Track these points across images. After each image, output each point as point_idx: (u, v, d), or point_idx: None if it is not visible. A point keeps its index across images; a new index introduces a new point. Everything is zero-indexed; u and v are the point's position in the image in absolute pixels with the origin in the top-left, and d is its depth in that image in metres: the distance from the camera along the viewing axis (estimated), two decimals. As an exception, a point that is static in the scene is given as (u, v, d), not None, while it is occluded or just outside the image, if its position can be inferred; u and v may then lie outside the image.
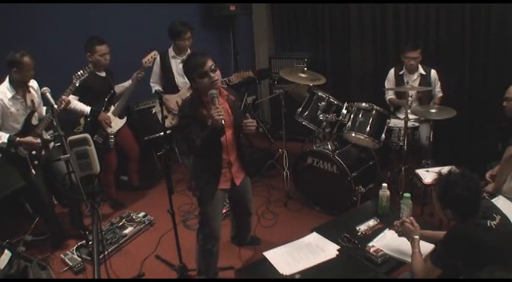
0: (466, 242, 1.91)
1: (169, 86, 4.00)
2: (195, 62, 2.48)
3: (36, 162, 3.19)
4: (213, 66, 2.47)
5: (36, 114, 3.25)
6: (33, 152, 3.17)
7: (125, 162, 4.16)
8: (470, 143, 4.35)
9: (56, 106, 2.92)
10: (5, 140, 3.04)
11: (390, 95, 4.18)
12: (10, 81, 3.09)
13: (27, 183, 3.27)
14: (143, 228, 3.65)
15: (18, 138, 3.08)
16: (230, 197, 2.98)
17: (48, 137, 3.42)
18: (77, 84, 3.24)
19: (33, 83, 3.24)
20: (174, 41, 3.92)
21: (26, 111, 3.19)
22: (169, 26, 3.89)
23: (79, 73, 3.24)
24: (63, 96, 3.17)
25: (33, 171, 3.16)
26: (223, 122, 2.38)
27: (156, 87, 4.00)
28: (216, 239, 2.81)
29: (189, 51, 4.02)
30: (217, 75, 2.49)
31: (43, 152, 3.28)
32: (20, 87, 3.13)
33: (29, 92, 3.19)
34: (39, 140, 3.16)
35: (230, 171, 2.73)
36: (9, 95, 3.07)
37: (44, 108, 3.36)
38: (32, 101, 3.21)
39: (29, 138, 3.11)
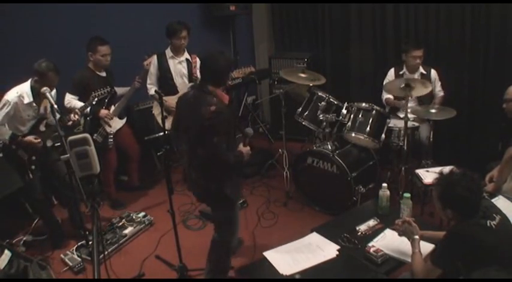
0: (466, 242, 1.92)
1: (167, 87, 3.97)
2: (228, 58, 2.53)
3: (33, 166, 3.18)
4: None
5: (45, 121, 3.24)
6: (33, 158, 3.16)
7: (125, 162, 4.15)
8: (470, 143, 4.35)
9: (56, 106, 2.90)
10: (7, 137, 3.05)
11: (387, 95, 4.16)
12: (31, 87, 3.07)
13: (24, 184, 3.26)
14: (143, 228, 3.65)
15: (20, 137, 3.08)
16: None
17: (52, 144, 3.36)
18: (94, 103, 3.35)
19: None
20: (171, 40, 3.92)
21: (36, 117, 3.18)
22: (167, 25, 3.89)
23: (99, 93, 3.35)
24: (73, 116, 3.23)
25: (30, 175, 3.15)
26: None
27: (153, 88, 3.95)
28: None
29: (185, 51, 4.01)
30: None
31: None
32: (38, 95, 3.08)
33: (46, 98, 3.16)
34: (40, 141, 3.14)
35: None
36: (27, 100, 3.07)
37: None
38: (45, 107, 3.18)
39: (30, 138, 3.11)
